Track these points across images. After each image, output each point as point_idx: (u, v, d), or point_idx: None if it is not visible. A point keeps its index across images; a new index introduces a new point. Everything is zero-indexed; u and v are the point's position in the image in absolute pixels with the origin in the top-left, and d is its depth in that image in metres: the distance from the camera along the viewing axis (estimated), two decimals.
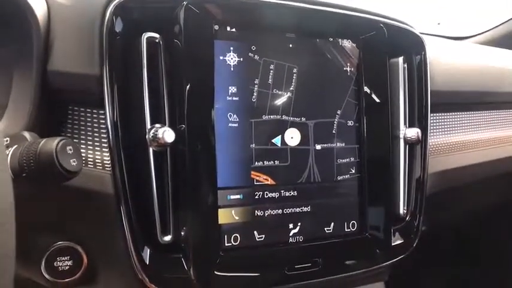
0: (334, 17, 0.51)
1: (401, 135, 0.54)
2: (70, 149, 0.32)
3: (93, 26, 0.40)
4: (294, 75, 0.49)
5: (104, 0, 0.40)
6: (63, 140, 0.31)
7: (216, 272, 0.43)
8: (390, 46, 0.54)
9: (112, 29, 0.40)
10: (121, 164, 0.40)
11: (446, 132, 0.65)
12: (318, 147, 0.49)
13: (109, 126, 0.40)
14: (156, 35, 0.42)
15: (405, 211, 0.55)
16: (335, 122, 0.50)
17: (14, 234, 0.21)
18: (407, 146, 0.55)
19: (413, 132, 0.54)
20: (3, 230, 0.20)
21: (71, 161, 0.31)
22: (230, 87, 0.45)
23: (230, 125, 0.45)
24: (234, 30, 0.46)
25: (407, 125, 0.55)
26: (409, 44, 0.57)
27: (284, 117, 0.48)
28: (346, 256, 0.51)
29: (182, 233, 0.42)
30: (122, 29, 0.41)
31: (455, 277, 0.99)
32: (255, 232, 0.46)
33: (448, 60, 0.65)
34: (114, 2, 0.40)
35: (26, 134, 0.34)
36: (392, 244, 0.54)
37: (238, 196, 0.45)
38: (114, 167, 0.40)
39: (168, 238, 0.41)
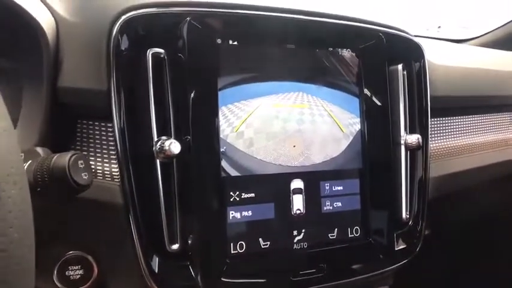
0: (333, 28, 0.52)
1: (402, 141, 0.55)
2: (81, 163, 0.33)
3: (101, 43, 0.42)
4: None
5: (111, 19, 0.42)
6: (75, 155, 0.33)
7: (222, 279, 0.44)
8: (389, 54, 0.55)
9: (118, 46, 0.42)
10: (129, 175, 0.41)
11: (446, 137, 0.66)
12: None
13: (117, 139, 0.41)
14: (161, 50, 0.43)
15: (408, 216, 0.56)
16: None
17: (34, 249, 0.22)
18: (408, 152, 0.56)
19: (414, 138, 0.55)
20: (25, 245, 0.21)
21: (83, 175, 0.33)
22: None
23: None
24: (236, 43, 0.47)
25: (407, 131, 0.56)
26: (408, 51, 0.59)
27: None
28: (350, 261, 0.52)
29: (189, 241, 0.43)
30: (127, 45, 0.42)
31: (457, 281, 0.99)
32: (260, 239, 0.47)
33: (447, 65, 0.66)
34: (120, 20, 0.42)
35: (39, 150, 0.36)
36: (396, 249, 0.55)
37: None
38: (122, 178, 0.41)
39: (175, 246, 0.42)
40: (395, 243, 0.55)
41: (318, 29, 0.51)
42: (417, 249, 0.57)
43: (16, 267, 0.21)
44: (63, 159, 0.32)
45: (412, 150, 0.56)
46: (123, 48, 0.42)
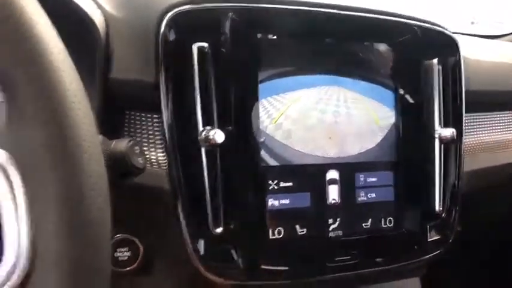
0: (370, 22, 0.54)
1: (437, 135, 0.56)
2: (137, 149, 0.36)
3: (148, 38, 0.45)
4: None
5: (158, 14, 0.45)
6: (132, 141, 0.36)
7: (261, 262, 0.46)
8: (424, 48, 0.56)
9: (166, 40, 0.44)
10: (176, 162, 0.44)
11: (480, 132, 0.66)
12: None
13: (165, 129, 0.44)
14: (205, 44, 0.45)
15: (441, 208, 0.56)
16: None
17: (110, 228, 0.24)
18: (442, 146, 0.56)
19: (449, 132, 0.56)
20: (103, 220, 0.24)
21: (139, 159, 0.35)
22: None
23: None
24: (275, 37, 0.49)
25: (442, 125, 0.56)
26: (443, 46, 0.59)
27: None
28: (384, 250, 0.53)
29: (231, 226, 0.45)
30: (174, 40, 0.45)
31: (488, 278, 0.98)
32: (297, 226, 0.49)
33: (482, 60, 0.66)
34: (168, 16, 0.44)
35: (100, 137, 0.39)
36: (429, 240, 0.56)
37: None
38: (170, 165, 0.44)
39: (219, 230, 0.45)
40: (428, 235, 0.56)
41: (355, 23, 0.53)
42: (449, 241, 0.58)
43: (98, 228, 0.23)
44: (122, 144, 0.35)
45: (446, 144, 0.57)
46: (170, 43, 0.44)
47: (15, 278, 0.21)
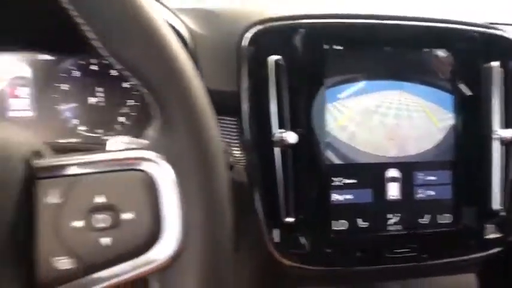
0: (428, 30, 0.57)
1: (497, 136, 0.58)
2: (227, 149, 0.43)
3: (230, 52, 0.52)
4: None
5: (240, 32, 0.51)
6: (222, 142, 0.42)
7: (327, 250, 0.52)
8: (483, 52, 0.58)
9: (246, 54, 0.51)
10: (254, 159, 0.50)
11: None
12: None
13: (244, 131, 0.51)
14: (280, 57, 0.51)
15: (500, 207, 0.59)
16: None
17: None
18: (503, 147, 0.58)
19: (509, 133, 0.58)
20: (230, 207, 0.30)
21: (230, 158, 0.42)
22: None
23: None
24: (340, 47, 0.54)
25: (503, 127, 0.58)
26: (503, 49, 0.61)
27: None
28: (441, 245, 0.56)
29: (301, 217, 0.51)
30: (253, 53, 0.51)
31: None
32: (359, 220, 0.54)
33: None
34: (249, 33, 0.51)
35: None
36: (486, 237, 0.58)
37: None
38: (248, 162, 0.51)
39: (290, 220, 0.51)
40: (486, 233, 0.59)
41: (414, 31, 0.56)
42: (507, 240, 0.60)
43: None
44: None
45: (507, 144, 0.59)
46: (250, 56, 0.51)
47: (170, 254, 0.27)
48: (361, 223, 0.54)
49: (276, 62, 0.51)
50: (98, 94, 0.65)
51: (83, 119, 0.65)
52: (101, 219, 0.28)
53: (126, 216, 0.28)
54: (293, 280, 0.53)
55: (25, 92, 0.63)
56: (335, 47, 0.54)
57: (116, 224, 0.28)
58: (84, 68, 0.64)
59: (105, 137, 0.65)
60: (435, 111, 0.57)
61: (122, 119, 0.66)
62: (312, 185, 0.52)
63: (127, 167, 0.29)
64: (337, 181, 0.53)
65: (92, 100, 0.65)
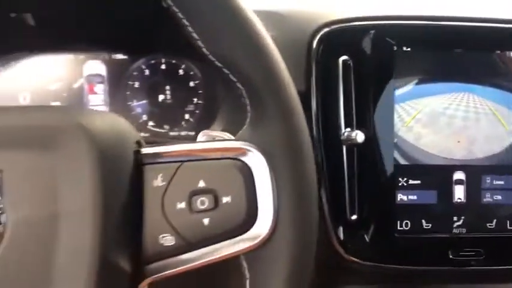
0: (501, 31, 0.56)
1: None
2: None
3: (301, 53, 0.53)
4: None
5: (309, 33, 0.53)
6: None
7: (391, 249, 0.52)
8: None
9: (317, 55, 0.53)
10: (321, 157, 0.52)
11: None
12: None
13: (314, 129, 0.52)
14: (348, 57, 0.53)
15: None
16: None
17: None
18: None
19: None
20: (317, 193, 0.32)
21: None
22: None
23: None
24: (409, 49, 0.55)
25: None
26: None
27: None
28: (508, 250, 0.55)
29: (365, 215, 0.52)
30: (323, 55, 0.53)
31: None
32: (423, 220, 0.54)
33: None
34: (319, 34, 0.53)
35: None
36: None
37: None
38: (316, 159, 0.52)
39: (354, 217, 0.52)
40: None
41: (485, 33, 0.56)
42: None
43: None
44: None
45: None
46: (319, 57, 0.53)
47: (263, 236, 0.29)
48: (425, 224, 0.54)
49: (345, 62, 0.52)
50: (166, 92, 0.69)
51: (152, 115, 0.69)
52: (202, 202, 0.30)
53: (224, 199, 0.30)
54: (356, 277, 0.54)
55: (101, 88, 0.68)
56: (404, 48, 0.54)
57: (215, 206, 0.30)
58: (154, 67, 0.68)
59: (172, 133, 0.69)
60: (505, 114, 0.56)
61: (187, 116, 0.70)
62: (377, 184, 0.53)
63: (225, 156, 0.31)
64: (402, 181, 0.54)
65: (160, 97, 0.69)
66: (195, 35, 0.30)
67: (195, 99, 0.69)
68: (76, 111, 0.30)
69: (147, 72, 0.68)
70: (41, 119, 0.28)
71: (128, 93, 0.68)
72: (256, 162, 0.31)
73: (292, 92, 0.32)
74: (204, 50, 0.31)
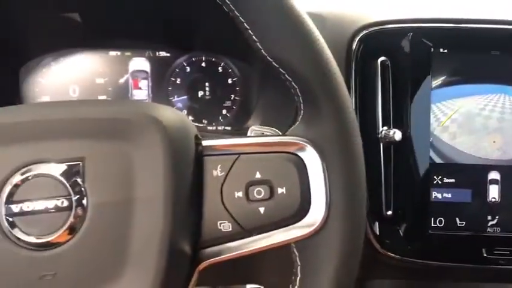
0: None
1: None
2: None
3: (340, 53, 0.55)
4: None
5: (350, 34, 0.55)
6: None
7: (425, 244, 0.54)
8: None
9: (356, 56, 0.54)
10: None
11: None
12: None
13: None
14: (386, 59, 0.54)
15: None
16: None
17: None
18: None
19: None
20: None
21: None
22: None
23: None
24: (446, 51, 0.56)
25: None
26: None
27: None
28: None
29: (400, 211, 0.54)
30: (361, 55, 0.55)
31: None
32: (457, 219, 0.56)
33: None
34: (359, 36, 0.54)
35: None
36: None
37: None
38: None
39: (389, 213, 0.54)
40: None
41: None
42: None
43: None
44: None
45: None
46: (358, 58, 0.54)
47: (315, 227, 0.32)
48: (459, 222, 0.55)
49: (383, 63, 0.54)
50: (205, 88, 0.72)
51: (191, 110, 0.72)
52: (258, 192, 0.33)
53: (279, 190, 0.33)
54: (389, 271, 0.56)
55: (145, 84, 0.71)
56: (441, 50, 0.56)
57: (270, 196, 0.33)
58: (195, 65, 0.72)
59: (209, 127, 0.72)
60: None
61: (224, 111, 0.73)
62: (412, 181, 0.54)
63: (280, 150, 0.34)
64: (437, 179, 0.55)
65: (200, 93, 0.72)
66: (254, 38, 0.33)
67: (233, 96, 0.72)
68: (147, 105, 0.32)
69: (188, 69, 0.71)
70: (117, 112, 0.31)
71: (169, 88, 0.71)
72: (310, 156, 0.33)
73: (345, 91, 0.34)
74: (262, 51, 0.33)
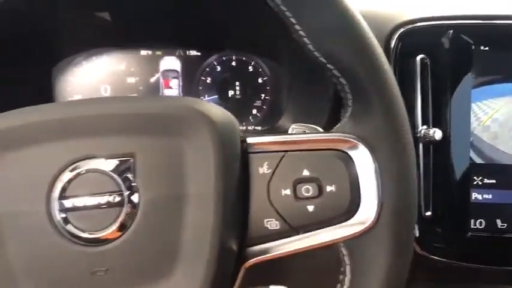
0: None
1: None
2: None
3: None
4: None
5: (388, 30, 0.54)
6: None
7: (464, 246, 0.52)
8: None
9: (394, 53, 0.53)
10: None
11: None
12: None
13: None
14: (426, 56, 0.53)
15: None
16: None
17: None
18: None
19: None
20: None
21: None
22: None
23: None
24: (487, 48, 0.54)
25: None
26: None
27: None
28: None
29: (439, 212, 0.53)
30: (400, 53, 0.54)
31: None
32: (498, 220, 0.54)
33: None
34: (398, 32, 0.53)
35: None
36: None
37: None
38: None
39: (429, 213, 0.52)
40: None
41: None
42: None
43: None
44: None
45: None
46: (397, 56, 0.53)
47: (365, 225, 0.31)
48: (500, 224, 0.54)
49: (422, 60, 0.53)
50: (236, 88, 0.72)
51: None
52: (306, 190, 0.32)
53: (328, 188, 0.32)
54: (428, 273, 0.55)
55: (175, 83, 0.72)
56: (482, 47, 0.54)
57: (319, 194, 0.32)
58: (225, 64, 0.72)
59: (240, 127, 0.72)
60: None
61: (254, 111, 0.72)
62: (451, 182, 0.53)
63: (327, 147, 0.33)
64: (477, 180, 0.54)
65: (230, 93, 0.72)
66: (302, 33, 0.32)
67: (263, 95, 0.72)
68: (195, 101, 0.32)
69: (218, 68, 0.71)
70: (167, 107, 0.31)
71: (200, 88, 0.72)
72: (359, 154, 0.32)
73: (396, 87, 0.33)
74: (310, 46, 0.33)
